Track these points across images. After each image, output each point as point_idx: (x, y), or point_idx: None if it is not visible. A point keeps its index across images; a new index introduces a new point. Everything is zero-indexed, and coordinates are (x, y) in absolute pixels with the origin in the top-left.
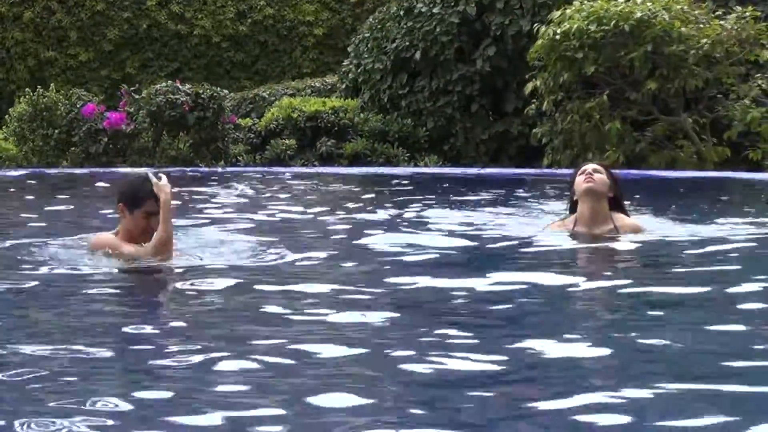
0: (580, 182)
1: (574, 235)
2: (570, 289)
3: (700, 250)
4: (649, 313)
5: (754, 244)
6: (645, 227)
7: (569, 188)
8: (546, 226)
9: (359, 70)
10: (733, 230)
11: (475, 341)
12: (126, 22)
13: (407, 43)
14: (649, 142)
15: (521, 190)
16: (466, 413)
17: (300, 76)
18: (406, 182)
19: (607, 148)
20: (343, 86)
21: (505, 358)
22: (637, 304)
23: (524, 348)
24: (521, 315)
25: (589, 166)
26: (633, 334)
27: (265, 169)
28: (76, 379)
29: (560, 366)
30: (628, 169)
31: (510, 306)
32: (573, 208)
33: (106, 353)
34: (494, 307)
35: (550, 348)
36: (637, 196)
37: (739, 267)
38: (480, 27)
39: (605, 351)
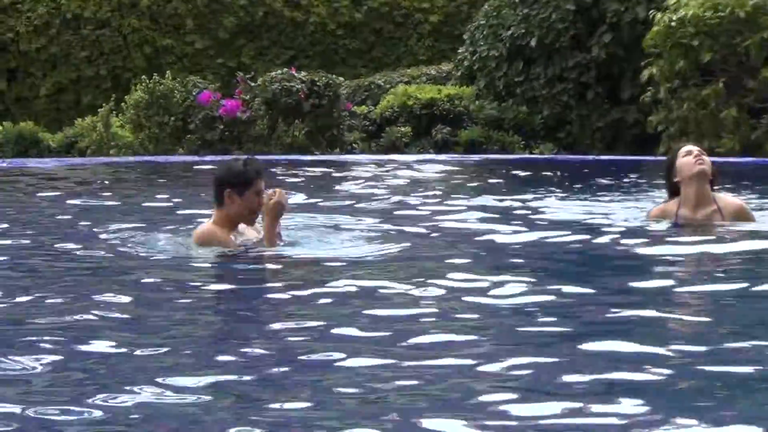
0: (691, 164)
1: (679, 224)
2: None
3: None
4: None
5: None
6: (746, 205)
7: (666, 171)
8: (647, 212)
9: (474, 58)
10: None
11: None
12: (242, 9)
13: (523, 30)
14: (765, 130)
15: (634, 177)
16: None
17: (415, 63)
18: (519, 169)
19: (722, 136)
20: (459, 74)
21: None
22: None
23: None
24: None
25: (695, 148)
26: None
27: (380, 156)
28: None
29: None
30: (743, 156)
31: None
32: (673, 192)
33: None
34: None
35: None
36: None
37: None
38: (596, 14)
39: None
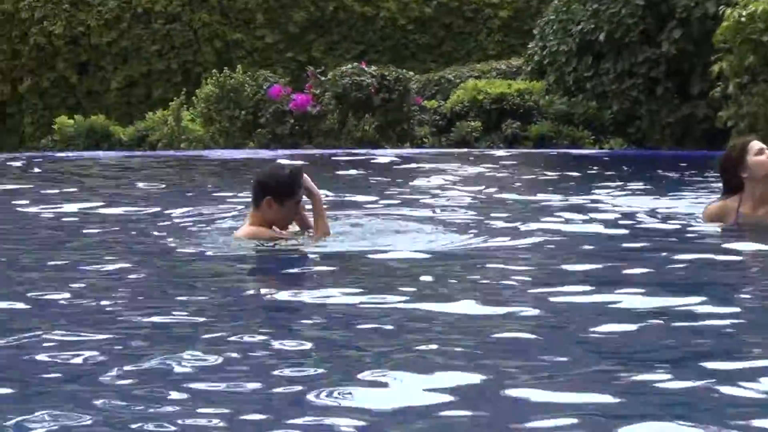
0: (766, 165)
1: (739, 223)
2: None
3: None
4: None
5: None
6: None
7: (730, 167)
8: (705, 208)
9: (544, 53)
10: None
11: None
12: (312, 4)
13: (592, 26)
14: None
15: (701, 172)
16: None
17: (485, 58)
18: (587, 164)
19: None
20: (528, 68)
21: None
22: None
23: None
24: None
25: (765, 146)
26: None
27: (450, 150)
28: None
29: None
30: None
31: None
32: (733, 188)
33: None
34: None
35: None
36: None
37: None
38: (665, 9)
39: None
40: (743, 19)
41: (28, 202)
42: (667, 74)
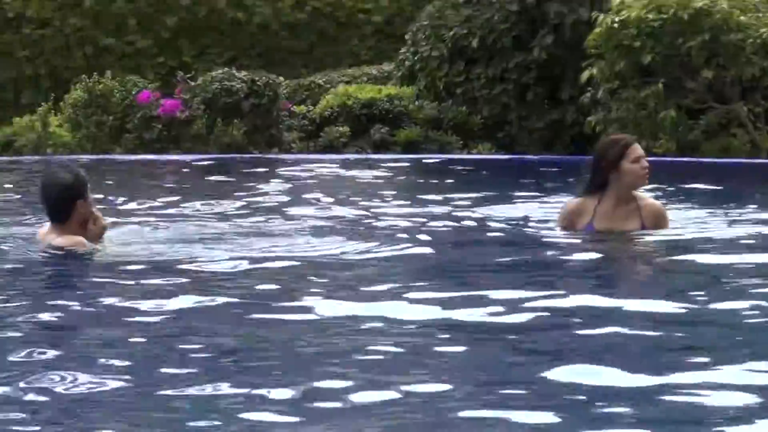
0: (640, 176)
1: (594, 229)
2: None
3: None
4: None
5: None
6: (664, 208)
7: (604, 164)
8: (564, 205)
9: (416, 58)
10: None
11: None
12: (185, 9)
13: (465, 31)
14: (703, 130)
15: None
16: None
17: (358, 63)
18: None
19: (660, 137)
20: (399, 74)
21: None
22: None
23: None
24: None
25: (643, 155)
26: None
27: (318, 155)
28: None
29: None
30: (680, 156)
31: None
32: (599, 184)
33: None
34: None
35: None
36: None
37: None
38: (538, 15)
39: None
40: (616, 25)
41: None
42: (538, 80)
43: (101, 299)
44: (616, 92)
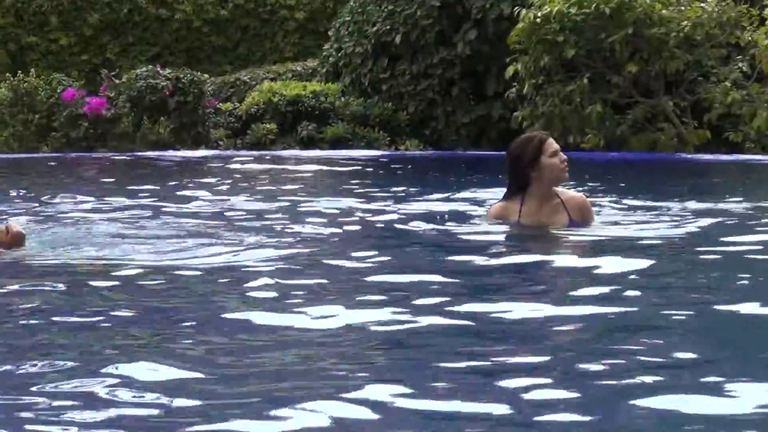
0: (559, 169)
1: (522, 224)
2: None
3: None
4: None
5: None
6: (587, 200)
7: (522, 163)
8: (487, 210)
9: (340, 54)
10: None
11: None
12: (106, 6)
13: (388, 27)
14: (630, 125)
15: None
16: None
17: (281, 60)
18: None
19: (587, 132)
20: (324, 70)
21: None
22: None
23: None
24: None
25: (559, 149)
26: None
27: (246, 152)
28: None
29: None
30: (607, 151)
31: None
32: (521, 185)
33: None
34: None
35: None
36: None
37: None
38: (461, 11)
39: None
40: (539, 20)
41: None
42: (463, 75)
43: None
44: (541, 87)
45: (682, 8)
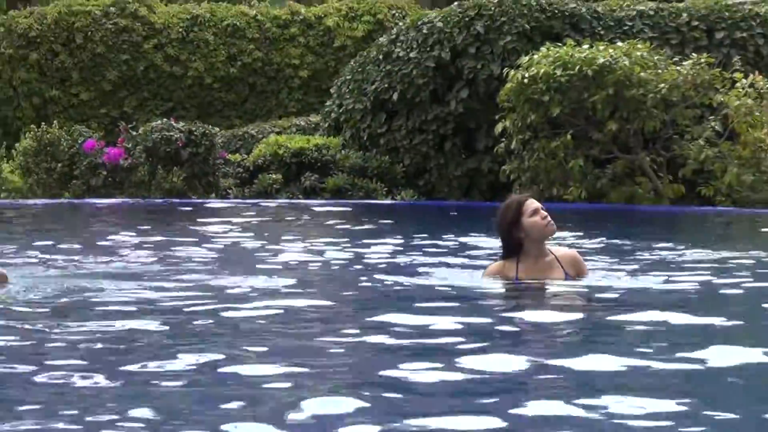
0: (541, 226)
1: (521, 281)
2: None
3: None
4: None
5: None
6: (577, 254)
7: (508, 229)
8: (483, 271)
9: (341, 110)
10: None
11: None
12: (124, 63)
13: (386, 85)
14: (609, 179)
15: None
16: None
17: (286, 115)
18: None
19: (570, 184)
20: (326, 125)
21: None
22: None
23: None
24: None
25: (539, 205)
26: None
27: (253, 201)
28: None
29: None
30: (589, 203)
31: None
32: (513, 248)
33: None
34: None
35: None
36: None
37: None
38: (454, 71)
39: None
40: (526, 80)
41: None
42: (455, 131)
43: None
44: (528, 143)
45: (660, 71)
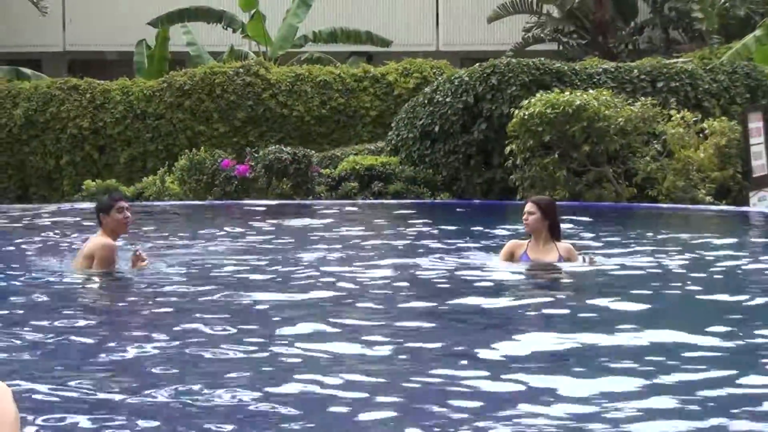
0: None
1: (528, 258)
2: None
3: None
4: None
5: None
6: (572, 247)
7: (556, 216)
8: (508, 241)
9: (399, 138)
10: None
11: None
12: (249, 107)
13: (429, 121)
14: (585, 185)
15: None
16: None
17: (361, 142)
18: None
19: (557, 188)
20: (388, 149)
21: None
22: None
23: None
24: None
25: (526, 209)
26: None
27: (339, 202)
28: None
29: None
30: (571, 201)
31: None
32: (558, 233)
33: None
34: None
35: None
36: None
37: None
38: (476, 111)
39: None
40: (526, 117)
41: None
42: (477, 152)
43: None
44: (528, 160)
45: (618, 109)
